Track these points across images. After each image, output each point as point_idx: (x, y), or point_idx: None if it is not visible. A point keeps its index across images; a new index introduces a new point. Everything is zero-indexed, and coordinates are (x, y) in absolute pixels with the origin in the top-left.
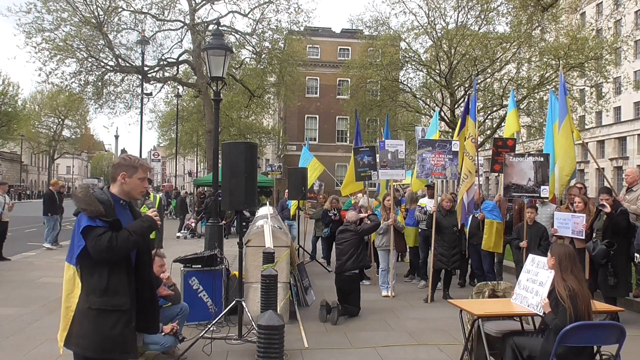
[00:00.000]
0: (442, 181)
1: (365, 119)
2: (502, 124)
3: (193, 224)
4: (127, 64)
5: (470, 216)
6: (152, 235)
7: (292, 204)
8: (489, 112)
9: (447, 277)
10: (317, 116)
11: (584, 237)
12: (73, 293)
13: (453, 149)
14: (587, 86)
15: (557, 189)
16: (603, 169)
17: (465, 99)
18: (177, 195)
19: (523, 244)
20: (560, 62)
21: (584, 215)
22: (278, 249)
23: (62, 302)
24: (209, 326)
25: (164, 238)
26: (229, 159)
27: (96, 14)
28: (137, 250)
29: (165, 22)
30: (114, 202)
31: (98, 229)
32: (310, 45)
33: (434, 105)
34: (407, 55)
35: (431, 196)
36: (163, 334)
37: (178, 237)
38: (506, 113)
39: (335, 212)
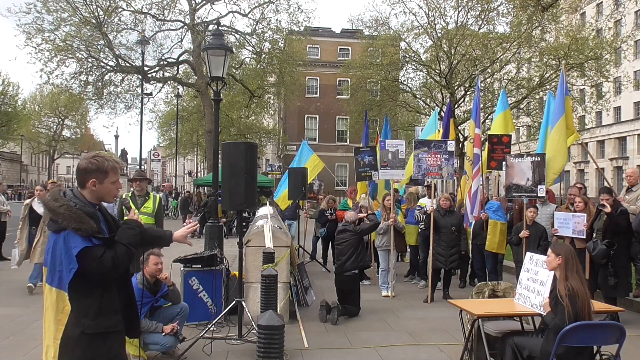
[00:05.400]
0: (442, 181)
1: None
2: None
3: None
4: (127, 64)
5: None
6: None
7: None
8: (489, 112)
9: (447, 277)
10: (317, 116)
11: (584, 237)
12: (60, 319)
13: (449, 149)
14: (587, 86)
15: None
16: (603, 169)
17: (447, 106)
18: (177, 195)
19: (523, 233)
20: (562, 61)
21: (585, 215)
22: (278, 249)
23: (45, 330)
24: (209, 326)
25: None
26: (229, 159)
27: (96, 14)
28: None
29: (165, 22)
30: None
31: (96, 249)
32: (310, 45)
33: (434, 105)
34: (407, 55)
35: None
36: (163, 334)
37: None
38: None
39: (332, 212)
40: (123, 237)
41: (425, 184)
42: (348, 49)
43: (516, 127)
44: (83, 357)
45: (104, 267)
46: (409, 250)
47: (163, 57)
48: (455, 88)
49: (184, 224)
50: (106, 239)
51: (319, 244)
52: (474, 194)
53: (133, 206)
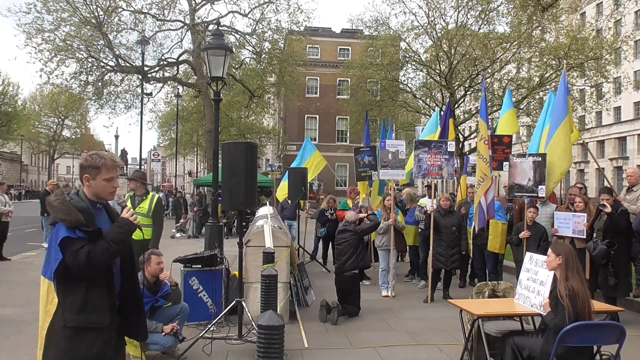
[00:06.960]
0: (443, 181)
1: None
2: None
3: (182, 222)
4: (127, 64)
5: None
6: (148, 236)
7: (281, 188)
8: (488, 112)
9: (447, 277)
10: (317, 116)
11: (584, 237)
12: (48, 310)
13: (449, 149)
14: (587, 86)
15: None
16: (603, 169)
17: (446, 105)
18: (175, 195)
19: (524, 234)
20: (564, 61)
21: (585, 215)
22: (278, 249)
23: (39, 320)
24: (209, 326)
25: (163, 237)
26: (229, 159)
27: (96, 14)
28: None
29: (165, 22)
30: (93, 208)
31: (76, 242)
32: (310, 45)
33: (434, 105)
34: (407, 55)
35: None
36: (163, 334)
37: (173, 236)
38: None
39: (332, 212)
40: (108, 235)
41: (425, 184)
42: (348, 49)
43: None
44: (65, 351)
45: (78, 262)
46: (409, 249)
47: (163, 57)
48: (455, 88)
49: (177, 224)
50: (91, 233)
51: (321, 243)
52: (489, 195)
53: (130, 205)
